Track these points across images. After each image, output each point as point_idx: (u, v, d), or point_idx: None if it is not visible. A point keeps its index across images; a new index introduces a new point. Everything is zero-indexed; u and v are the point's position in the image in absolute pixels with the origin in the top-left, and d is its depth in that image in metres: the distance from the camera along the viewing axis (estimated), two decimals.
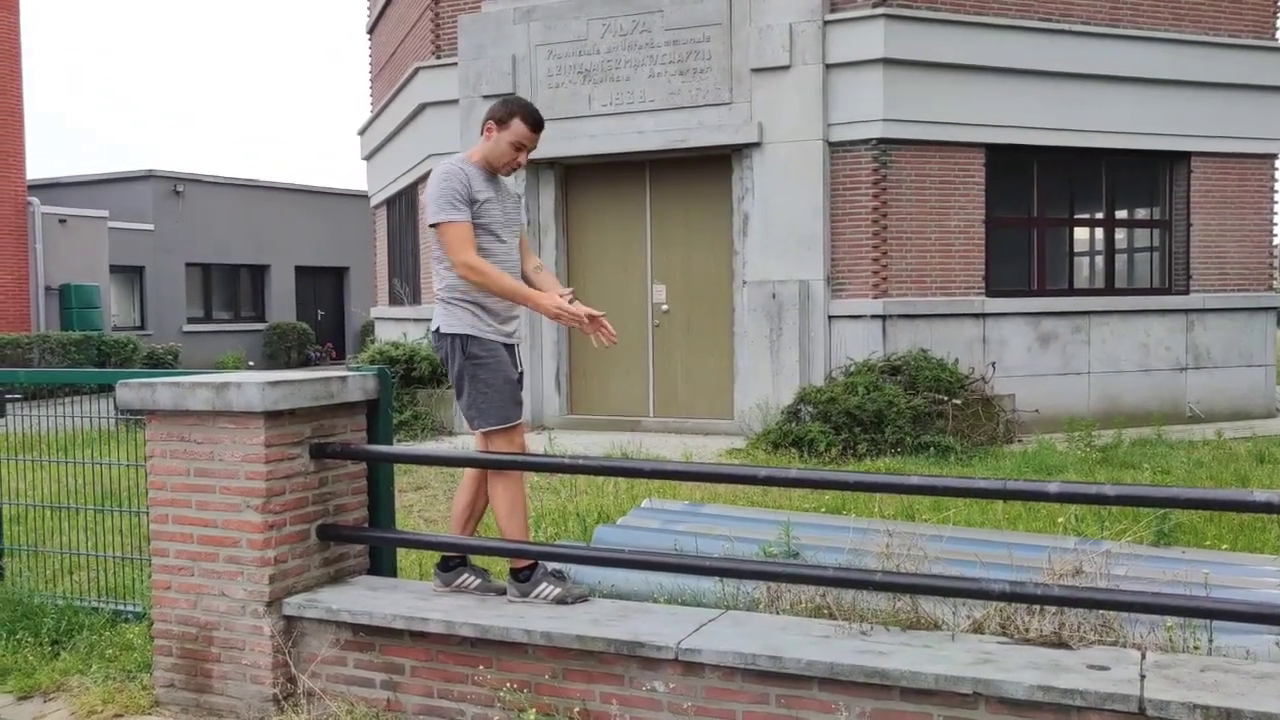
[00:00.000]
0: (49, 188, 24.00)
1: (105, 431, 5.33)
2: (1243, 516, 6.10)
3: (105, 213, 22.94)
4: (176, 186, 25.33)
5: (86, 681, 4.08)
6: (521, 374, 4.12)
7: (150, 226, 24.89)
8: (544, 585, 3.82)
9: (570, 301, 3.94)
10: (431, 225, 3.95)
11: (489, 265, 3.89)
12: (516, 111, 3.97)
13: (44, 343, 18.60)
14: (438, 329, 4.01)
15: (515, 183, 4.23)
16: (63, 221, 21.56)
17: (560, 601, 3.76)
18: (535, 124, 4.00)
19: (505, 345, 4.02)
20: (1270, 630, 3.54)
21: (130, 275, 24.88)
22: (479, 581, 4.00)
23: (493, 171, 4.03)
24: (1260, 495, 2.96)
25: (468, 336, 3.93)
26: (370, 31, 18.32)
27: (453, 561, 4.04)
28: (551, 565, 3.96)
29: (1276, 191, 12.98)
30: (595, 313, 3.91)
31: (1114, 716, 2.85)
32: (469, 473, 4.17)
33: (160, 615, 3.92)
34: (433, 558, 5.39)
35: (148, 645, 4.13)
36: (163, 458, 3.87)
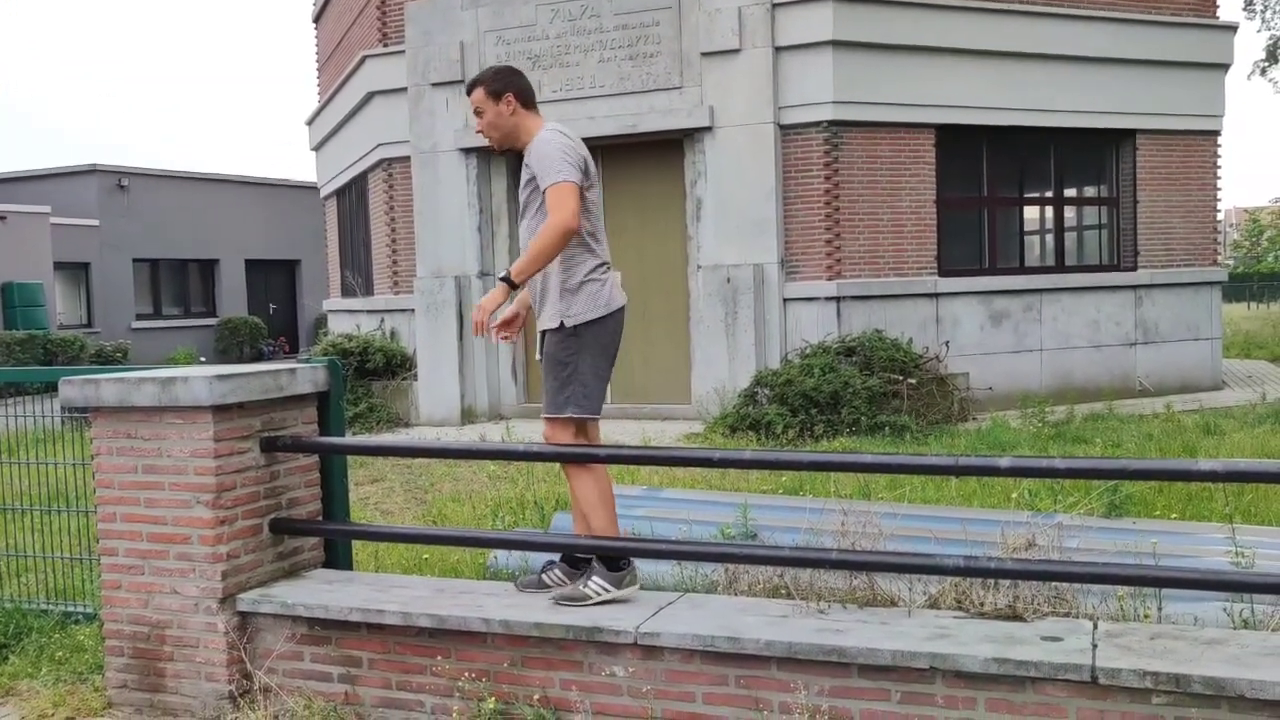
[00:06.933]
0: None
1: (51, 431, 5.23)
2: (1190, 486, 6.22)
3: (47, 208, 22.47)
4: (121, 181, 24.83)
5: (36, 685, 4.01)
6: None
7: (95, 222, 24.40)
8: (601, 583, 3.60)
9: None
10: (549, 184, 3.78)
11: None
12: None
13: None
14: (568, 322, 3.77)
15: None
16: (3, 218, 21.10)
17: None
18: (467, 91, 3.98)
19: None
20: (1217, 596, 3.61)
21: (75, 272, 24.40)
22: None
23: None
24: (1204, 465, 3.01)
25: (596, 319, 3.84)
26: (316, 20, 18.06)
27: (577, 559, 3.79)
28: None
29: (1219, 167, 13.20)
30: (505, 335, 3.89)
31: (1067, 686, 2.89)
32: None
33: (111, 615, 3.86)
34: (388, 549, 5.36)
35: (99, 646, 4.05)
36: (109, 455, 3.80)
